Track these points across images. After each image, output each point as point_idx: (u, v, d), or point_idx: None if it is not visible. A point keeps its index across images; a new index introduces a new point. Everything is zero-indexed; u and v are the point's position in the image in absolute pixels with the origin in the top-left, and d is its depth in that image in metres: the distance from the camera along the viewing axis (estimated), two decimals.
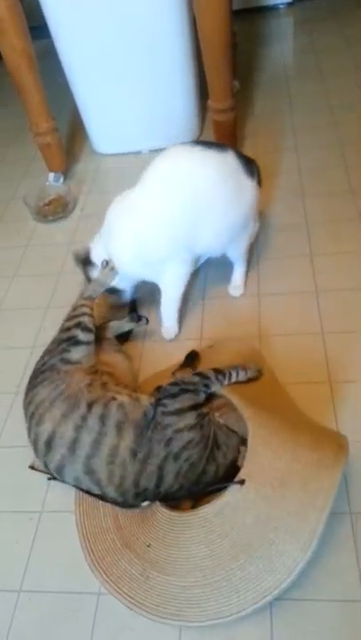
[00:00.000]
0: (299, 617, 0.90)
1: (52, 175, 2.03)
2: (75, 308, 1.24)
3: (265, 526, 0.90)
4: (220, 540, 0.92)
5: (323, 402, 1.18)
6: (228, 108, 1.80)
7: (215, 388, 1.09)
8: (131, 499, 1.00)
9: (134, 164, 2.07)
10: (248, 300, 1.44)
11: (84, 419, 1.01)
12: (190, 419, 1.01)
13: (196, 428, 1.00)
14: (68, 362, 1.12)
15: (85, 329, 1.18)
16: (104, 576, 0.98)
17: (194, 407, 1.03)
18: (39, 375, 1.12)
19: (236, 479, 0.94)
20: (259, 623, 0.89)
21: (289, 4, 3.03)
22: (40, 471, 1.10)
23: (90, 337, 1.18)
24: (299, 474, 0.92)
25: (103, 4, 1.72)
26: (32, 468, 1.13)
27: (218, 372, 1.10)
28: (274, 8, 3.04)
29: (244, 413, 1.02)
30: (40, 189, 1.96)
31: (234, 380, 1.12)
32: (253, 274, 1.51)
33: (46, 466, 1.04)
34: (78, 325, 1.18)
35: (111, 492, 1.00)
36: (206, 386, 1.07)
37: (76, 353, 1.14)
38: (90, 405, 1.03)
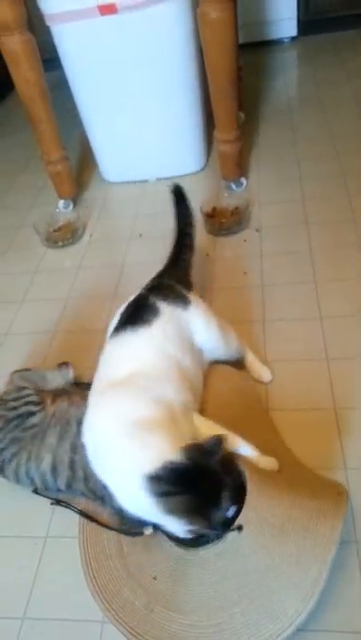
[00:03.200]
0: None
1: (61, 202, 2.08)
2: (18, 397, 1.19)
3: (266, 574, 0.88)
4: (223, 583, 0.91)
5: (328, 429, 1.18)
6: (234, 138, 1.84)
7: None
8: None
9: (141, 192, 2.14)
10: (252, 327, 1.45)
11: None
12: None
13: None
14: (29, 427, 1.13)
15: (35, 403, 1.17)
16: (106, 605, 0.96)
17: None
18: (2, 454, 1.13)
19: (234, 526, 0.91)
20: None
21: (293, 38, 3.12)
22: (44, 496, 1.11)
23: (40, 405, 1.17)
24: (298, 521, 0.89)
25: (113, 40, 1.78)
26: (35, 492, 1.14)
27: None
28: (278, 42, 3.13)
29: (240, 459, 1.00)
30: (50, 216, 2.00)
31: None
32: (258, 299, 1.53)
33: (58, 489, 1.07)
34: (27, 404, 1.17)
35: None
36: None
37: (34, 418, 1.15)
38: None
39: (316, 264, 1.60)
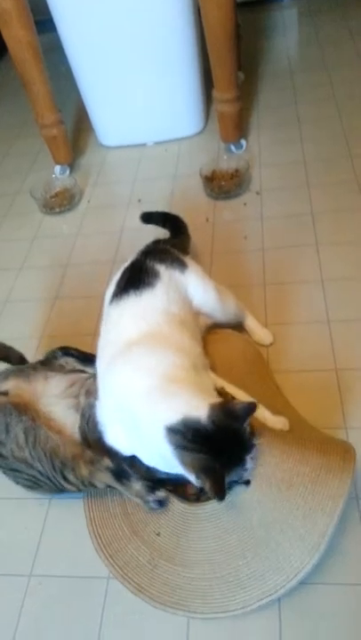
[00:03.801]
0: (307, 600, 0.90)
1: (58, 168, 2.04)
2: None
3: (272, 528, 0.90)
4: (228, 536, 0.93)
5: (329, 390, 1.18)
6: (233, 98, 1.80)
7: None
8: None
9: (139, 157, 2.10)
10: (254, 290, 1.44)
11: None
12: None
13: None
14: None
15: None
16: (110, 560, 0.99)
17: None
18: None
19: (242, 480, 0.93)
20: (267, 605, 0.90)
21: None
22: None
23: None
24: (307, 476, 0.91)
25: None
26: None
27: None
28: (278, 0, 3.03)
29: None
30: (46, 182, 1.96)
31: None
32: (259, 263, 1.52)
33: None
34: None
35: None
36: None
37: None
38: None
39: (317, 227, 1.59)
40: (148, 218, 1.50)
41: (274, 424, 1.01)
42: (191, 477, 0.86)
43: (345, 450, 0.96)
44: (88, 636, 0.93)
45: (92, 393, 1.07)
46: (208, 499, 0.97)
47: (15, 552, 1.06)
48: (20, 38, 1.70)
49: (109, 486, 1.03)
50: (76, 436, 1.06)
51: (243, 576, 0.90)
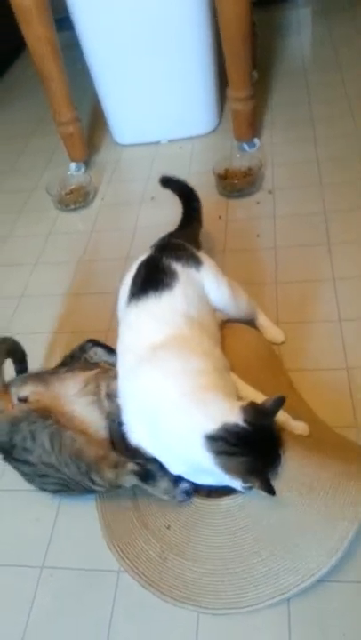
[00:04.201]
0: (318, 597, 0.90)
1: (73, 165, 2.06)
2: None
3: (290, 529, 0.90)
4: (243, 534, 0.93)
5: (340, 388, 1.18)
6: (248, 96, 1.81)
7: None
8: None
9: (153, 154, 2.11)
10: (266, 288, 1.45)
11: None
12: None
13: None
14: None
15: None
16: (121, 554, 1.00)
17: None
18: None
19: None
20: (277, 602, 0.90)
21: None
22: None
23: None
24: (328, 481, 0.91)
25: None
26: None
27: None
28: None
29: None
30: (62, 179, 1.98)
31: None
32: (271, 262, 1.52)
33: None
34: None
35: None
36: None
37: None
38: None
39: (330, 226, 1.59)
40: (166, 181, 1.49)
41: (294, 428, 1.01)
42: (235, 482, 0.87)
43: (359, 454, 0.97)
44: (99, 629, 0.94)
45: (114, 395, 1.07)
46: (220, 495, 0.98)
47: (28, 544, 1.07)
48: (40, 36, 1.72)
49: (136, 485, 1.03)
50: (100, 433, 1.07)
51: (257, 573, 0.90)
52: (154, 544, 0.99)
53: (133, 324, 1.08)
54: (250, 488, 0.87)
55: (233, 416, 0.87)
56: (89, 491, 1.05)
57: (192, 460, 0.90)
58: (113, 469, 1.01)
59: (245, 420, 0.86)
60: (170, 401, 0.93)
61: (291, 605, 0.90)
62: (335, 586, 0.91)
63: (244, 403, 0.89)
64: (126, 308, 1.12)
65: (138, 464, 1.01)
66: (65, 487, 1.06)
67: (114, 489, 1.04)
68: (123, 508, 1.05)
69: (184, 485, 1.00)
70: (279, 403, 0.89)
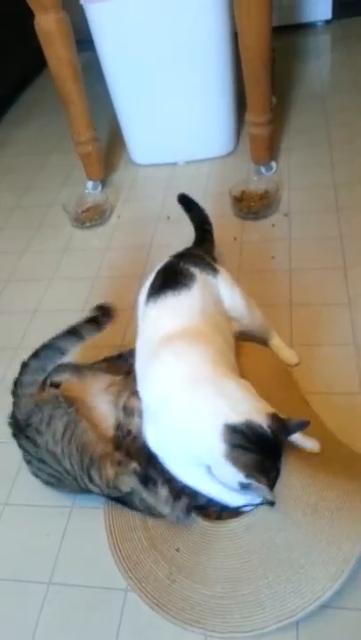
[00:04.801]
0: (326, 624, 0.89)
1: (90, 183, 2.09)
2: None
3: (295, 550, 0.90)
4: (250, 556, 0.93)
5: (355, 413, 1.18)
6: (266, 121, 1.83)
7: None
8: None
9: (170, 175, 2.14)
10: (281, 310, 1.45)
11: None
12: None
13: None
14: None
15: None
16: (129, 573, 0.99)
17: None
18: None
19: (266, 500, 0.92)
20: (285, 627, 0.89)
21: (327, 22, 3.06)
22: None
23: None
24: (333, 501, 0.91)
25: (146, 20, 1.78)
26: None
27: None
28: (312, 25, 3.07)
29: None
30: (79, 197, 2.01)
31: None
32: (286, 284, 1.53)
33: None
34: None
35: None
36: None
37: None
38: None
39: (346, 250, 1.59)
40: (184, 201, 1.52)
41: (303, 443, 1.01)
42: (238, 475, 0.86)
43: None
44: None
45: (130, 410, 1.09)
46: (229, 517, 0.97)
47: (36, 559, 1.07)
48: (62, 58, 1.76)
49: (131, 494, 1.03)
50: (110, 431, 1.08)
51: (263, 596, 0.89)
52: (163, 565, 0.98)
53: (151, 321, 1.10)
54: (248, 485, 0.86)
55: (260, 417, 0.88)
56: (82, 490, 1.06)
57: (199, 449, 0.90)
58: (115, 466, 1.02)
59: (270, 427, 0.87)
60: (185, 383, 0.94)
61: (299, 631, 0.89)
62: (345, 613, 0.90)
63: (272, 410, 0.90)
64: (145, 308, 1.15)
65: (141, 465, 1.02)
66: (57, 480, 1.08)
67: (109, 491, 1.04)
68: (131, 527, 1.05)
69: (184, 501, 1.00)
70: (302, 426, 0.90)
